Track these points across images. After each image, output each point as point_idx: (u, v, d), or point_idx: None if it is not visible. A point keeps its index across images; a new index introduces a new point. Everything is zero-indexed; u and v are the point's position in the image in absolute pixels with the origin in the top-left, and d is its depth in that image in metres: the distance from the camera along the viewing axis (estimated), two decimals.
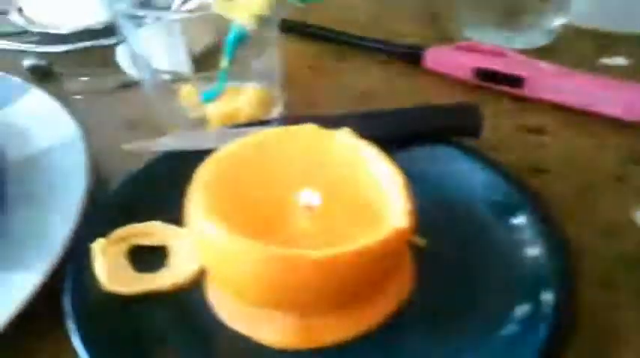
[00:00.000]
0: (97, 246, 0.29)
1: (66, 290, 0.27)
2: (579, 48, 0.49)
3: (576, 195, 0.35)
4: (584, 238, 0.32)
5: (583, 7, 0.48)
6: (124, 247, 0.30)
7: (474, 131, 0.34)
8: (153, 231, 0.31)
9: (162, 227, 0.31)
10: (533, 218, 0.29)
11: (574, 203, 0.34)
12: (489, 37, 0.49)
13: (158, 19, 0.35)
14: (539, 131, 0.41)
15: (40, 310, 0.28)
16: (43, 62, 0.47)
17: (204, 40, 0.39)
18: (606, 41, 0.49)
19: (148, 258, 0.30)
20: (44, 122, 0.38)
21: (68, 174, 0.33)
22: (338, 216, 0.27)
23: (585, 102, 0.41)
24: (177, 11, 0.39)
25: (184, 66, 0.36)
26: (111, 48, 0.49)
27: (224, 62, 0.38)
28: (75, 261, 0.29)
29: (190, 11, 0.38)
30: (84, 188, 0.32)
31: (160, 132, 0.41)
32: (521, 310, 0.26)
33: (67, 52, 0.49)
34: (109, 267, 0.29)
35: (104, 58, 0.49)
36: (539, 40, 0.48)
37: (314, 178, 0.28)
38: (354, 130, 0.30)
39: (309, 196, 0.27)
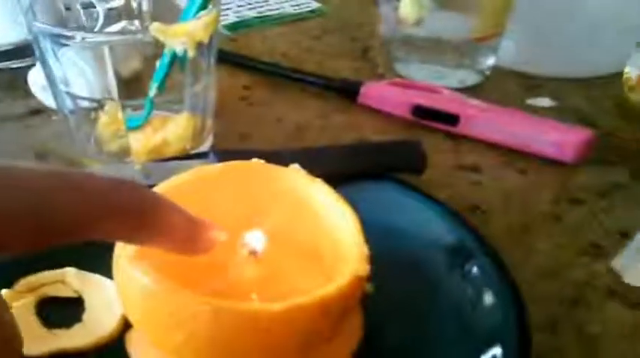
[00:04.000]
0: None
1: None
2: (506, 88, 0.50)
3: (514, 235, 0.35)
4: (522, 279, 0.31)
5: (509, 49, 0.49)
6: (31, 300, 0.26)
7: (418, 168, 0.33)
8: (66, 280, 0.27)
9: (76, 275, 0.27)
10: (483, 262, 0.28)
11: (512, 242, 0.34)
12: (420, 73, 0.49)
13: (84, 40, 0.31)
14: (474, 169, 0.40)
15: None
16: None
17: (129, 66, 0.36)
18: (531, 83, 0.50)
19: (61, 311, 0.26)
20: None
21: None
22: (284, 261, 0.25)
23: (518, 141, 0.41)
24: (107, 33, 0.35)
25: (109, 92, 0.33)
26: (18, 71, 0.44)
27: (152, 89, 0.35)
28: None
29: (122, 34, 0.35)
30: None
31: (73, 164, 0.37)
32: None
33: None
34: None
35: (10, 82, 0.44)
36: (468, 79, 0.49)
37: (258, 219, 0.25)
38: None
39: (253, 239, 0.24)
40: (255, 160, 0.27)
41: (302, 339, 0.21)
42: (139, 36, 0.32)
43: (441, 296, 0.27)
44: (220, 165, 0.27)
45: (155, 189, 0.25)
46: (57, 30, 0.32)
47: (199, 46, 0.32)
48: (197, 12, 0.32)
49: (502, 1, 0.45)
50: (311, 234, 0.25)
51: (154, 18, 0.38)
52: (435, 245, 0.29)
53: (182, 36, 0.31)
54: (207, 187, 0.26)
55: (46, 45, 0.32)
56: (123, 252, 0.22)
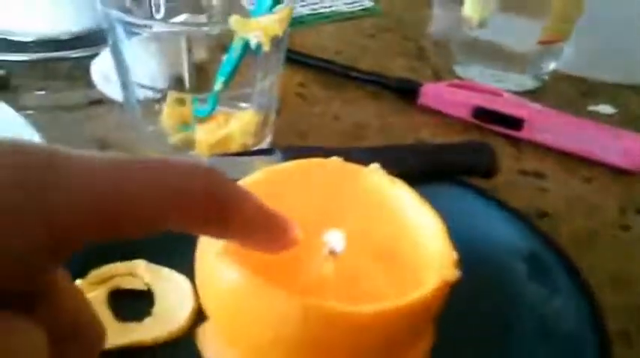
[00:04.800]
0: None
1: None
2: (565, 94, 0.49)
3: (581, 243, 0.34)
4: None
5: (569, 54, 0.48)
6: (103, 291, 0.26)
7: (489, 171, 0.32)
8: (136, 272, 0.27)
9: (147, 267, 0.27)
10: (563, 277, 0.27)
11: (580, 251, 0.33)
12: (478, 76, 0.48)
13: (161, 29, 0.31)
14: (538, 174, 0.39)
15: None
16: (1, 71, 0.41)
17: (195, 57, 0.35)
18: (590, 88, 0.49)
19: (132, 304, 0.26)
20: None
21: None
22: (362, 261, 0.24)
23: (583, 147, 0.40)
24: (184, 23, 0.35)
25: (175, 82, 0.33)
26: (76, 61, 0.44)
27: (218, 83, 0.34)
28: None
29: (200, 25, 0.35)
30: None
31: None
32: None
33: (28, 62, 0.43)
34: None
35: (69, 72, 0.45)
36: (529, 83, 0.48)
37: (338, 219, 0.25)
38: (361, 163, 0.27)
39: (334, 239, 0.24)
40: (334, 158, 0.26)
41: (389, 343, 0.21)
42: (215, 28, 0.32)
43: (519, 306, 0.26)
44: (298, 162, 0.26)
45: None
46: (132, 19, 0.31)
47: (273, 40, 0.32)
48: (272, 6, 0.32)
49: (569, 5, 0.44)
50: (391, 235, 0.25)
51: (223, 12, 0.38)
52: (512, 254, 0.28)
53: (258, 30, 0.30)
54: (285, 184, 0.25)
55: (120, 34, 0.32)
56: (209, 248, 0.21)
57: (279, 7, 0.31)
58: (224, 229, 0.16)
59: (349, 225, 0.24)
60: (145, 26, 0.31)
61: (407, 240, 0.24)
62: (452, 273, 0.21)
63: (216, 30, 0.32)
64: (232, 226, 0.16)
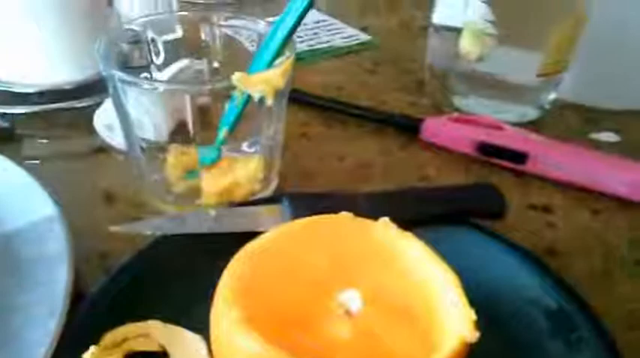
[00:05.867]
0: (89, 357, 0.24)
1: None
2: (567, 122, 0.49)
3: (595, 280, 0.34)
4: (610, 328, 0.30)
5: (570, 81, 0.48)
6: (119, 356, 0.25)
7: (498, 213, 0.32)
8: (151, 333, 0.27)
9: (161, 328, 0.27)
10: (589, 334, 0.26)
11: (594, 288, 0.33)
12: (478, 107, 0.48)
13: (162, 85, 0.31)
14: (545, 209, 0.39)
15: None
16: (5, 124, 0.41)
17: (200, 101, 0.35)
18: (592, 116, 0.49)
19: None
20: (10, 196, 0.33)
21: (45, 264, 0.28)
22: (379, 321, 0.24)
23: (588, 179, 0.40)
24: (185, 81, 0.35)
25: (183, 128, 0.33)
26: (81, 109, 0.44)
27: (221, 132, 0.34)
28: None
29: (202, 82, 0.35)
30: (66, 281, 0.27)
31: (142, 206, 0.37)
32: None
33: (31, 113, 0.43)
34: None
35: (73, 120, 0.44)
36: (530, 113, 0.48)
37: (351, 276, 0.24)
38: (370, 210, 0.27)
39: (350, 298, 0.23)
40: (343, 213, 0.26)
41: None
42: (219, 85, 0.32)
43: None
44: (308, 219, 0.26)
45: (251, 244, 0.25)
46: (134, 78, 0.31)
47: (276, 92, 0.32)
48: (273, 58, 0.32)
49: (567, 38, 0.44)
50: (405, 292, 0.24)
51: (223, 57, 0.39)
52: (532, 306, 0.28)
53: (261, 84, 0.30)
54: (296, 243, 0.25)
55: (121, 87, 0.32)
56: (225, 313, 0.21)
57: (279, 59, 0.31)
58: None
59: (362, 282, 0.24)
60: (147, 83, 0.31)
61: (421, 297, 0.24)
62: (471, 334, 0.21)
63: (219, 86, 0.32)
64: None
